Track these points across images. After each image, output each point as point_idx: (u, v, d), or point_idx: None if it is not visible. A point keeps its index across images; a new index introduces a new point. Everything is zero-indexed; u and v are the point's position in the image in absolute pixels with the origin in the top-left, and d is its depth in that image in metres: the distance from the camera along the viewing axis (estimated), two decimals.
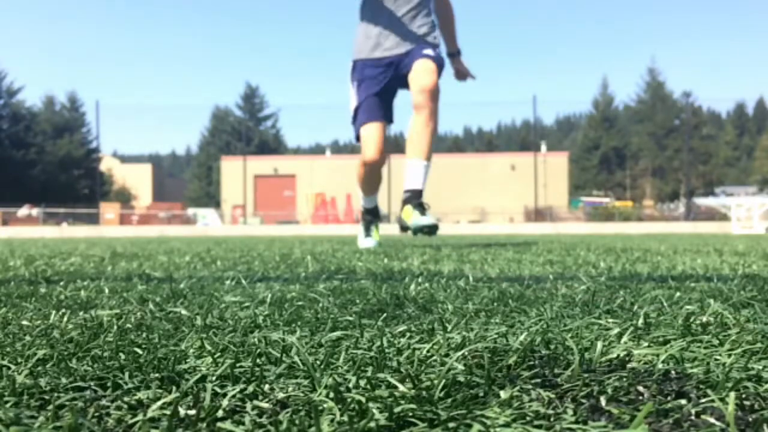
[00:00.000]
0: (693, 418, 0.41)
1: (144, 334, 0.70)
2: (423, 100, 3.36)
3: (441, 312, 0.87)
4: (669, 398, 0.45)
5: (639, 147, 44.10)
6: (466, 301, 0.97)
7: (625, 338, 0.63)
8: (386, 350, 0.60)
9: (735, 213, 14.74)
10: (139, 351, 0.59)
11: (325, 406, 0.43)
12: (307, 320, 0.80)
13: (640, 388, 0.47)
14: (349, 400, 0.43)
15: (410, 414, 0.41)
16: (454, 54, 3.88)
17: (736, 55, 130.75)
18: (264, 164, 32.25)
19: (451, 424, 0.39)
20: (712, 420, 0.40)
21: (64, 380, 0.50)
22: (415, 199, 3.39)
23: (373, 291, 1.11)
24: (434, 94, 3.41)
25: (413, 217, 3.34)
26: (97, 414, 0.42)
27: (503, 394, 0.45)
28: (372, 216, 4.01)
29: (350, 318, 0.81)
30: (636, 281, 1.25)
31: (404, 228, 3.52)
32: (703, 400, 0.44)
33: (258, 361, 0.56)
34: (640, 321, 0.72)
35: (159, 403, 0.43)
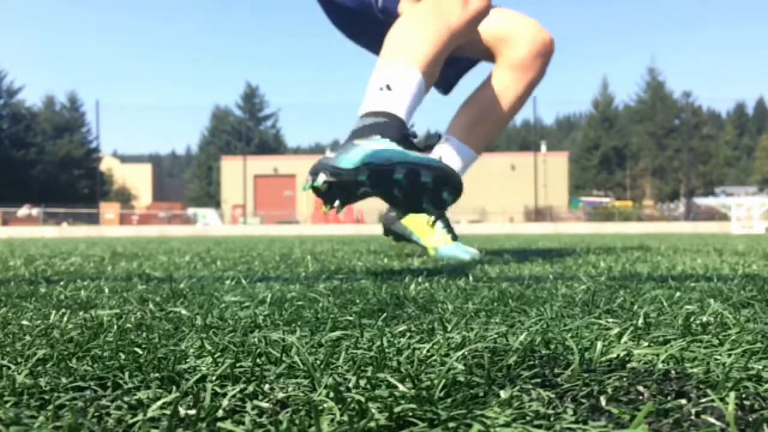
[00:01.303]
0: (693, 418, 0.41)
1: (144, 334, 0.70)
2: (532, 55, 1.98)
3: (441, 312, 0.87)
4: (669, 398, 0.45)
5: (639, 147, 44.10)
6: (466, 301, 0.97)
7: (625, 338, 0.63)
8: (386, 350, 0.60)
9: (735, 213, 14.74)
10: (139, 351, 0.59)
11: (325, 406, 0.43)
12: (307, 320, 0.80)
13: (640, 388, 0.47)
14: (349, 400, 0.43)
15: (410, 414, 0.41)
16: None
17: (736, 55, 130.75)
18: (264, 164, 32.27)
19: (451, 424, 0.39)
20: (712, 420, 0.40)
21: (64, 380, 0.50)
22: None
23: (373, 291, 1.11)
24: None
25: (441, 242, 2.09)
26: (97, 414, 0.42)
27: (503, 394, 0.45)
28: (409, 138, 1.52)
29: (350, 318, 0.81)
30: (636, 281, 1.25)
31: (398, 236, 2.22)
32: (703, 400, 0.44)
33: (258, 361, 0.56)
34: (640, 321, 0.72)
35: (159, 402, 0.43)
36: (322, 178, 1.36)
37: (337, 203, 1.41)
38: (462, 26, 1.68)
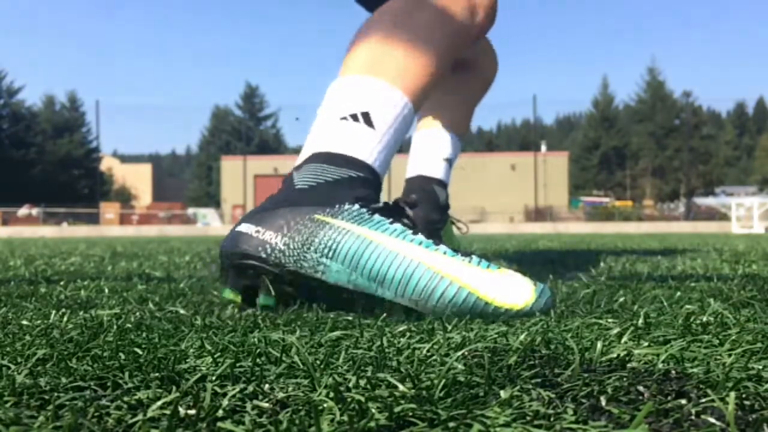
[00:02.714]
0: (693, 417, 0.41)
1: (144, 334, 0.70)
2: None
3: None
4: (669, 398, 0.45)
5: (639, 147, 44.10)
6: None
7: (625, 338, 0.63)
8: (386, 350, 0.60)
9: (735, 213, 14.76)
10: (139, 351, 0.59)
11: (325, 405, 0.43)
12: (307, 320, 0.80)
13: (640, 388, 0.47)
14: (349, 399, 0.43)
15: (410, 414, 0.41)
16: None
17: (736, 55, 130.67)
18: (264, 164, 32.26)
19: (451, 424, 0.39)
20: (712, 420, 0.40)
21: (64, 380, 0.50)
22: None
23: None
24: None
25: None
26: (97, 414, 0.42)
27: (503, 394, 0.45)
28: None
29: (350, 318, 0.81)
30: (636, 281, 1.25)
31: None
32: (703, 400, 0.44)
33: (258, 361, 0.56)
34: (640, 321, 0.72)
35: (159, 402, 0.43)
36: (265, 290, 0.88)
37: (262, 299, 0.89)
38: (465, 44, 1.18)
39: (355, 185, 0.91)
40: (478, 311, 0.81)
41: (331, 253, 0.85)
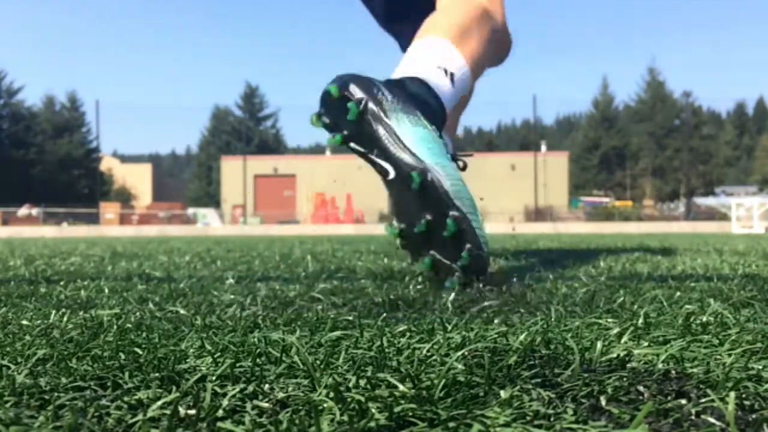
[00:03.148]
0: (693, 417, 0.41)
1: (144, 334, 0.70)
2: None
3: (441, 312, 0.87)
4: (669, 398, 0.45)
5: (639, 147, 44.07)
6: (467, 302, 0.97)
7: (625, 338, 0.63)
8: (386, 350, 0.60)
9: (735, 213, 14.76)
10: (139, 351, 0.59)
11: (325, 405, 0.43)
12: (307, 320, 0.80)
13: (640, 388, 0.47)
14: (349, 399, 0.43)
15: (410, 414, 0.41)
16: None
17: (736, 55, 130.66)
18: (264, 164, 32.24)
19: (451, 424, 0.39)
20: (712, 420, 0.40)
21: (64, 380, 0.50)
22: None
23: (373, 291, 1.11)
24: None
25: None
26: (97, 414, 0.42)
27: (503, 394, 0.45)
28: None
29: (350, 318, 0.81)
30: (636, 281, 1.25)
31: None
32: (703, 400, 0.44)
33: (258, 361, 0.56)
34: (640, 321, 0.72)
35: (159, 402, 0.43)
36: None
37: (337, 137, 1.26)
38: (496, 63, 1.62)
39: (438, 118, 1.25)
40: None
41: (414, 120, 1.16)
